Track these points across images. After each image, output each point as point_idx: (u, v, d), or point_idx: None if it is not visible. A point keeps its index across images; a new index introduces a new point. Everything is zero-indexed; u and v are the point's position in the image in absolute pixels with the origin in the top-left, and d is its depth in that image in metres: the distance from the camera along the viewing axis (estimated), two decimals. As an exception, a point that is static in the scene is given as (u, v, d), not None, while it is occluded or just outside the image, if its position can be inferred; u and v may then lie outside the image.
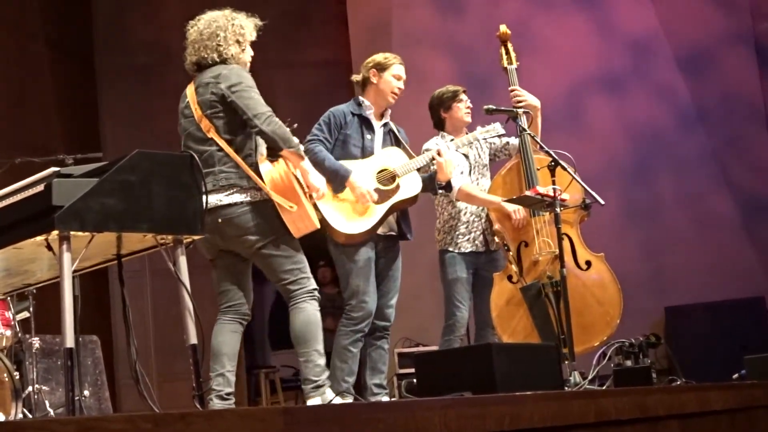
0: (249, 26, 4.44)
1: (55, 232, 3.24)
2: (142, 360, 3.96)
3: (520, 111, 5.29)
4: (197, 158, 3.56)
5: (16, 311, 5.47)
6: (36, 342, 5.58)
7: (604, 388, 4.55)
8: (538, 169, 5.32)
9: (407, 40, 8.66)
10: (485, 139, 5.43)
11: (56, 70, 8.51)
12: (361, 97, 5.16)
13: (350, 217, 4.92)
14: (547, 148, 4.98)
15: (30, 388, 5.43)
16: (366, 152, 5.05)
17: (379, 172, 5.01)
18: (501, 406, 2.79)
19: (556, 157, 4.91)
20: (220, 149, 4.22)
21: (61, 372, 5.90)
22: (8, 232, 3.40)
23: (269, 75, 8.94)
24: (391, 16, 8.84)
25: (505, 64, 5.63)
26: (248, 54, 4.44)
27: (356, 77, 5.23)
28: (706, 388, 3.97)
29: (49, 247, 3.33)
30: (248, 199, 4.18)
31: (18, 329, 5.48)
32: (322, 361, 4.22)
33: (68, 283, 3.26)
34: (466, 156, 5.52)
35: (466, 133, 5.51)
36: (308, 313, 4.22)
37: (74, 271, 3.39)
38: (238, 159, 4.19)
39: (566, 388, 4.36)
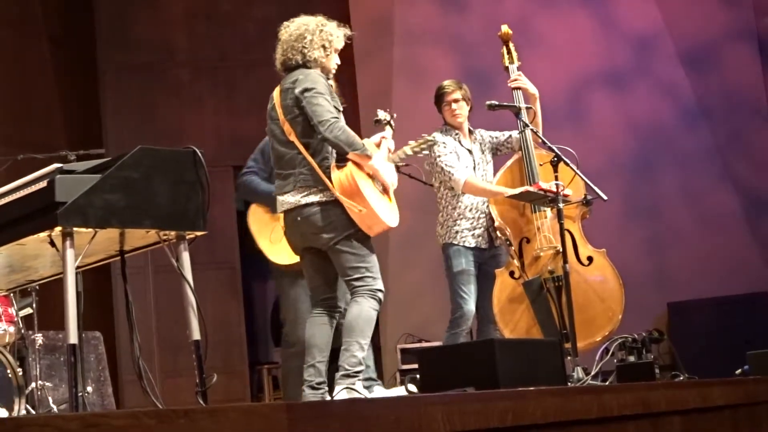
0: (338, 34, 4.56)
1: (58, 229, 3.24)
2: (145, 356, 3.96)
3: (523, 106, 5.28)
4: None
5: (20, 307, 5.48)
6: (39, 338, 5.59)
7: (606, 383, 4.55)
8: (540, 165, 5.31)
9: (409, 36, 8.64)
10: (416, 153, 5.23)
11: (59, 67, 8.51)
12: None
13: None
14: (550, 144, 4.97)
15: (33, 385, 5.43)
16: None
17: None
18: (504, 401, 2.79)
19: (559, 153, 4.91)
20: (300, 152, 4.36)
21: (64, 368, 5.91)
22: (11, 228, 3.41)
23: (271, 72, 8.90)
24: (393, 12, 8.82)
25: (507, 64, 5.62)
26: (333, 61, 4.56)
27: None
28: (708, 383, 3.97)
29: (52, 244, 3.33)
30: (323, 199, 4.32)
31: (21, 325, 5.49)
32: (360, 354, 4.27)
33: (71, 279, 3.27)
34: (471, 152, 5.51)
35: (468, 129, 5.52)
36: (362, 307, 4.30)
37: (77, 268, 3.40)
38: (313, 162, 4.34)
39: (569, 383, 4.36)
